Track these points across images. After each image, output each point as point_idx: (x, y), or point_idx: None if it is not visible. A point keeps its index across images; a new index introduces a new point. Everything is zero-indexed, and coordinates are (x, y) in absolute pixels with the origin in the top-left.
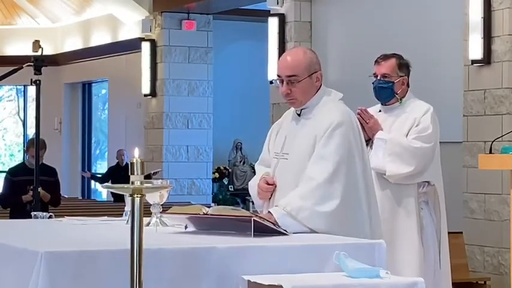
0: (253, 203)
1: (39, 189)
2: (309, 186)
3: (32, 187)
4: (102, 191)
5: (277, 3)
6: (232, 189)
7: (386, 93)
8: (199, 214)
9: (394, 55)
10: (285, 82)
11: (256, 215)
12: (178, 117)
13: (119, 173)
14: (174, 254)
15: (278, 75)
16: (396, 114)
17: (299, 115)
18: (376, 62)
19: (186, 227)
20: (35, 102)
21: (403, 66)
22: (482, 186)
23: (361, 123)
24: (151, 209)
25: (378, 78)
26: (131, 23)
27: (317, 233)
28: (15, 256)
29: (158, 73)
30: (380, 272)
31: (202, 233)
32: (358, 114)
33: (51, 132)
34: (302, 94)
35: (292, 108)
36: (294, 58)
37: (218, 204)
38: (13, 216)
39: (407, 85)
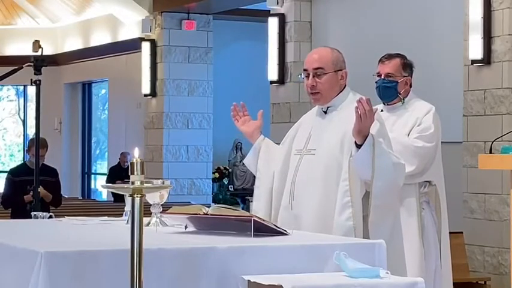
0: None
1: (41, 189)
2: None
3: (32, 187)
4: (102, 191)
5: (277, 3)
6: (232, 189)
7: (390, 92)
8: (199, 214)
9: (398, 55)
10: (311, 75)
11: (257, 216)
12: (178, 117)
13: (119, 174)
14: (174, 254)
15: (305, 69)
16: (398, 114)
17: (325, 112)
18: (380, 61)
19: (186, 227)
20: (35, 102)
21: (407, 66)
22: (482, 186)
23: None
24: (151, 209)
25: (382, 77)
26: (131, 23)
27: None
28: (15, 256)
29: (158, 73)
30: (380, 272)
31: (202, 233)
32: None
33: (51, 132)
34: (327, 88)
35: (316, 107)
36: (322, 53)
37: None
38: (14, 216)
39: (410, 85)
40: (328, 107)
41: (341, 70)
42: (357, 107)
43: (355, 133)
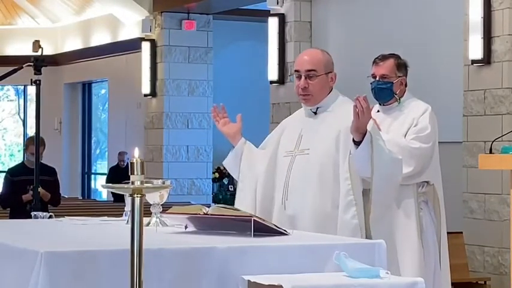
0: None
1: (40, 188)
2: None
3: (32, 187)
4: (102, 191)
5: (277, 3)
6: (232, 189)
7: (386, 93)
8: (199, 214)
9: (392, 55)
10: (303, 76)
11: (256, 216)
12: (178, 117)
13: (119, 174)
14: (174, 254)
15: (296, 71)
16: (395, 115)
17: (315, 113)
18: (374, 62)
19: (186, 227)
20: (35, 102)
21: (401, 66)
22: (482, 186)
23: None
24: (151, 209)
25: (377, 79)
26: (131, 23)
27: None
28: (15, 256)
29: (158, 73)
30: (380, 272)
31: (202, 233)
32: None
33: (51, 132)
34: (318, 90)
35: (302, 109)
36: (314, 55)
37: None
38: (13, 216)
39: (405, 85)
40: (317, 108)
41: (331, 72)
42: (355, 105)
43: (353, 130)
